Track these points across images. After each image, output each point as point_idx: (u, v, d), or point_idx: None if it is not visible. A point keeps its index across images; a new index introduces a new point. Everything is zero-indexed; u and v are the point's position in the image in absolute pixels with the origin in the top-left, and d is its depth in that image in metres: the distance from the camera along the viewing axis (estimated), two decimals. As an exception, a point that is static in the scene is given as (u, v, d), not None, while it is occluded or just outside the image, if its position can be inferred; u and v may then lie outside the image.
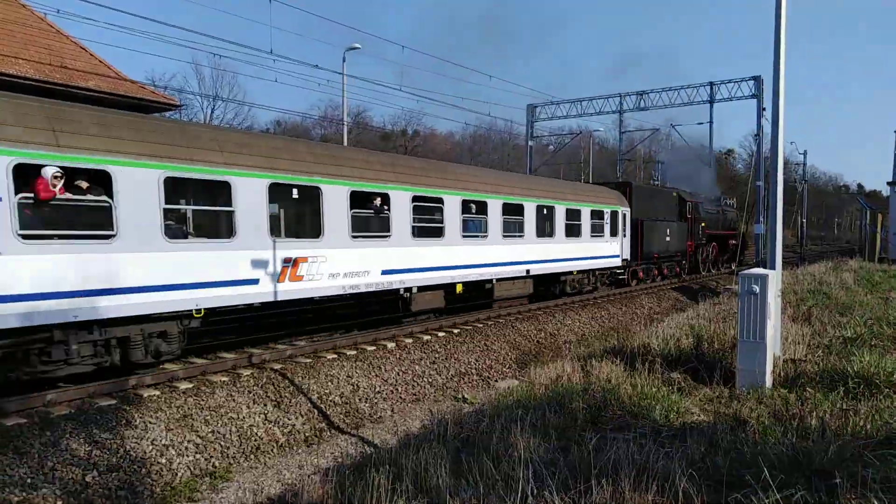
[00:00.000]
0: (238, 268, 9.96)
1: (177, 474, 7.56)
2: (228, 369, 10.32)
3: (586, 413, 6.62)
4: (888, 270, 24.89)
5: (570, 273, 20.09)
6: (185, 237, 9.74)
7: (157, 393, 8.85)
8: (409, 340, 13.36)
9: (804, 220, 52.40)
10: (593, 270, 21.57)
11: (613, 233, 22.11)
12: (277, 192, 10.80)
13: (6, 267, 7.22)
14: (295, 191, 11.04)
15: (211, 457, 8.11)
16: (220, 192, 9.80)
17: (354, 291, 12.25)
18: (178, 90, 45.99)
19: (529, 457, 4.85)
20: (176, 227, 9.70)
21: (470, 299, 16.82)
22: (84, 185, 8.18)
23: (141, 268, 8.61)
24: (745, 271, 8.50)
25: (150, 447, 7.68)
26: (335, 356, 11.67)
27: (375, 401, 10.89)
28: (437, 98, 52.01)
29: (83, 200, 8.17)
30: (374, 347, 12.54)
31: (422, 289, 14.03)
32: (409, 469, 4.86)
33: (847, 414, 6.38)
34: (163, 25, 44.22)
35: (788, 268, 28.03)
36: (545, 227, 18.51)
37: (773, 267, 9.49)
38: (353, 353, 12.00)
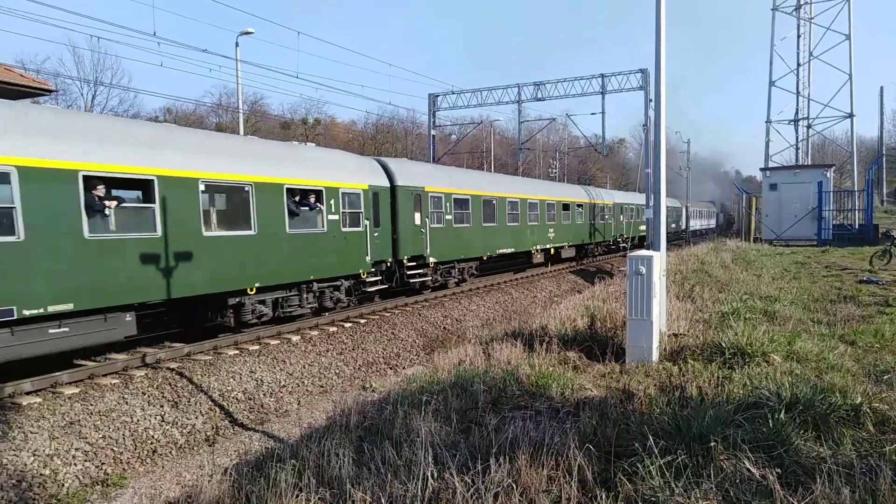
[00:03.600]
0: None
1: (63, 485, 7.11)
2: (119, 371, 9.78)
3: (487, 395, 6.82)
4: (761, 250, 27.11)
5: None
6: None
7: (39, 400, 8.27)
8: (315, 333, 13.18)
9: (688, 205, 56.00)
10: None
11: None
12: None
13: None
14: None
15: (102, 464, 7.69)
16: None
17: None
18: (53, 74, 42.53)
19: (431, 441, 4.95)
20: None
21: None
22: None
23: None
24: (633, 253, 9.00)
25: (32, 459, 7.17)
26: (237, 352, 11.34)
27: (281, 395, 10.69)
28: (336, 86, 51.00)
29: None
30: (278, 341, 12.28)
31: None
32: (311, 462, 4.83)
33: (722, 382, 6.94)
34: (32, 3, 40.52)
35: (674, 249, 29.96)
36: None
37: (658, 249, 10.11)
38: (256, 347, 11.71)
